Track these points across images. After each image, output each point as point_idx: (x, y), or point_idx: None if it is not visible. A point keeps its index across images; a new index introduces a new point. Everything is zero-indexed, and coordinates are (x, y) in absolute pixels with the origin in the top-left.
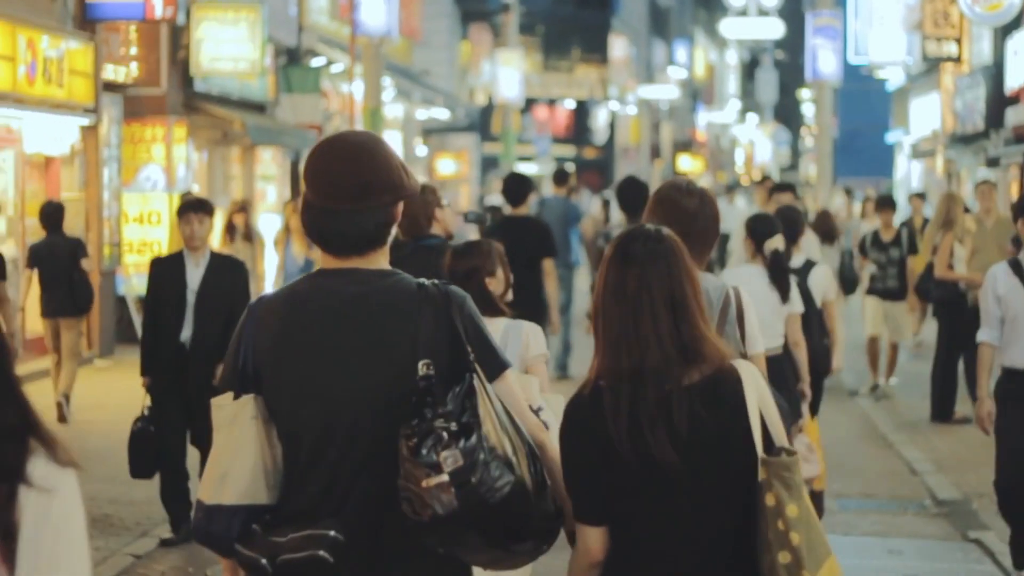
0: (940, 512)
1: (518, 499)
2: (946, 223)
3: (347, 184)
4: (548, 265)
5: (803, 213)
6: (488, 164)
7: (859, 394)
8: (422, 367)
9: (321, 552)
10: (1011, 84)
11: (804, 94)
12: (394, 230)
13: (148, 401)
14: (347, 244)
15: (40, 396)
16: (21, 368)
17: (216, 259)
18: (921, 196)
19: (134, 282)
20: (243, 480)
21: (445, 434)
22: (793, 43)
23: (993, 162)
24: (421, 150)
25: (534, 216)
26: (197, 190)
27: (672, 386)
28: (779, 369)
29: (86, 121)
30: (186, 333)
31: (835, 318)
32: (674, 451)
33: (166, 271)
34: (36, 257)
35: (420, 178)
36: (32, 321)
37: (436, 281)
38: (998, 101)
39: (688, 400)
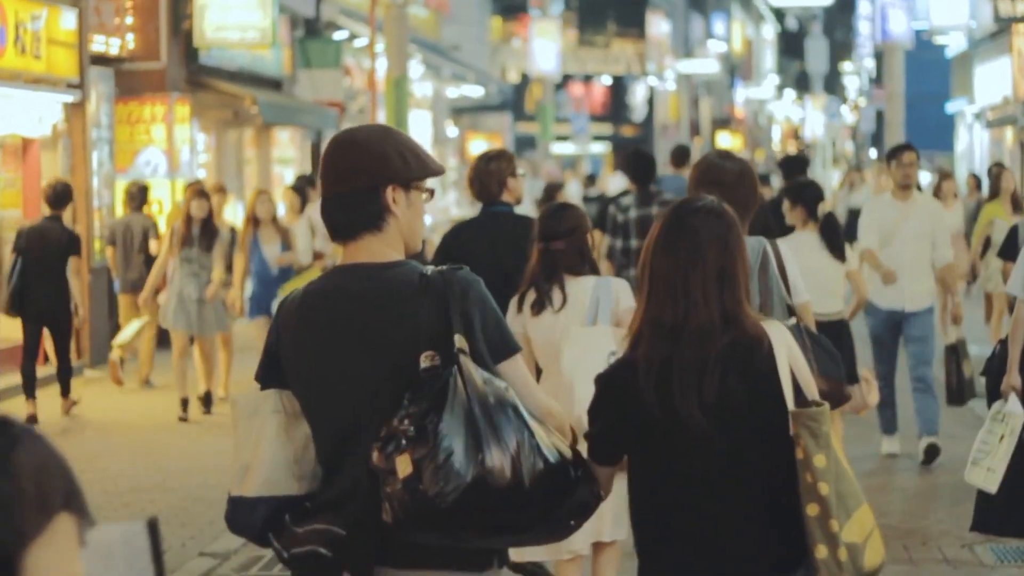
0: None
1: (473, 497)
2: None
3: (329, 170)
4: None
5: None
6: (522, 144)
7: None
8: (425, 359)
9: (320, 548)
10: None
11: (847, 67)
12: (399, 217)
13: None
14: (340, 231)
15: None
16: None
17: None
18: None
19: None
20: (264, 472)
21: (404, 440)
22: (830, 17)
23: None
24: (452, 131)
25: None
26: (204, 175)
27: (711, 348)
28: (838, 334)
29: (70, 98)
30: None
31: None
32: (701, 412)
33: None
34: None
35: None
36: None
37: (443, 268)
38: None
39: (722, 366)
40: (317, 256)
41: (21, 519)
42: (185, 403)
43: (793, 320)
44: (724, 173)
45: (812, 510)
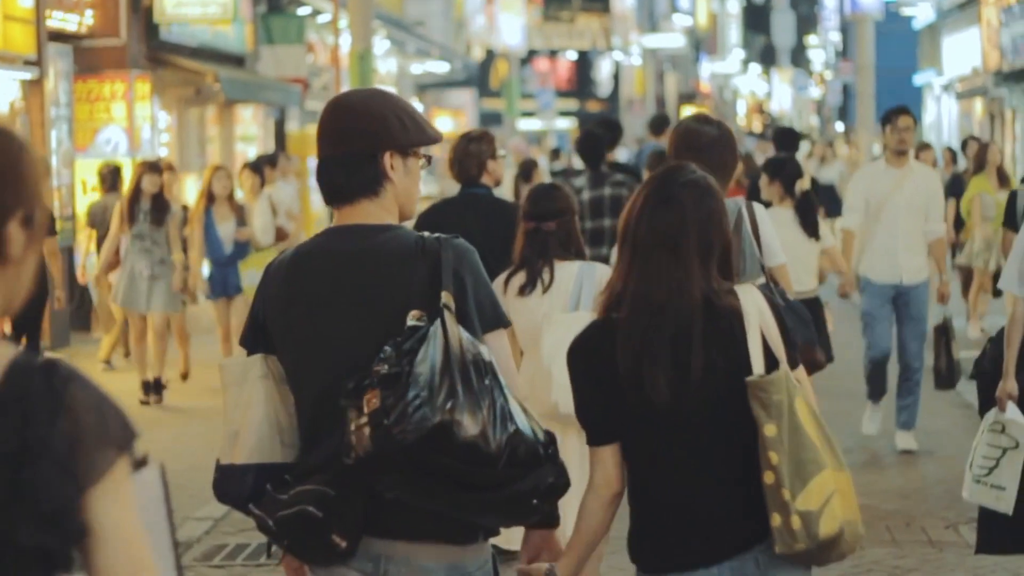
0: None
1: (436, 443)
2: None
3: (327, 131)
4: None
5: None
6: (487, 120)
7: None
8: (411, 318)
9: (309, 507)
10: None
11: (812, 40)
12: (396, 183)
13: None
14: (335, 194)
15: None
16: None
17: None
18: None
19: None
20: (253, 439)
21: (376, 378)
22: None
23: None
24: (417, 107)
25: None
26: (166, 154)
27: (694, 326)
28: (812, 312)
29: (28, 76)
30: None
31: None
32: (669, 391)
33: None
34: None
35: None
36: None
37: (439, 235)
38: None
39: (704, 347)
40: (280, 235)
41: (84, 459)
42: (146, 386)
43: (762, 280)
44: (702, 137)
45: (768, 478)
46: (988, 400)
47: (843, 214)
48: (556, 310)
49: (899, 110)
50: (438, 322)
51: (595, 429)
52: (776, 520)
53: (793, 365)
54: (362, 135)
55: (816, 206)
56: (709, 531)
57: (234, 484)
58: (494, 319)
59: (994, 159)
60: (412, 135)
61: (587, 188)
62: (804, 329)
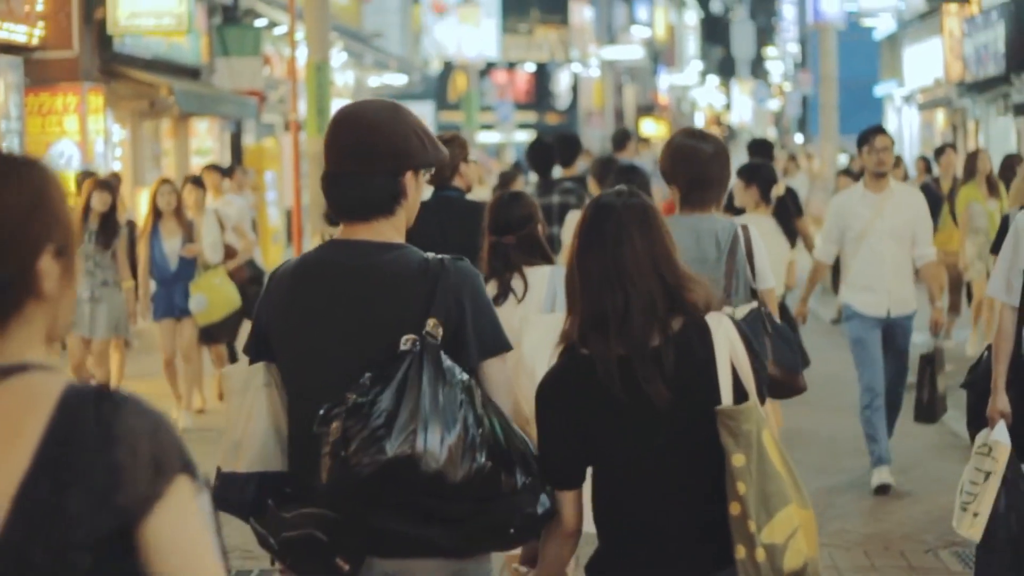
0: None
1: (393, 475)
2: None
3: (350, 147)
4: None
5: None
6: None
7: None
8: (405, 342)
9: (316, 532)
10: None
11: (770, 52)
12: (408, 201)
13: None
14: (350, 210)
15: None
16: None
17: None
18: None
19: None
20: (255, 447)
21: (345, 406)
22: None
23: (1022, 109)
24: None
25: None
26: (119, 168)
27: (662, 330)
28: (784, 315)
29: None
30: None
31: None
32: (667, 390)
33: None
34: None
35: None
36: None
37: (444, 257)
38: (1021, 42)
39: (675, 348)
40: (229, 253)
41: (140, 484)
42: None
43: (755, 304)
44: (700, 153)
45: (734, 509)
46: (978, 416)
47: (820, 241)
48: (532, 314)
49: (875, 130)
50: (417, 350)
51: (558, 472)
52: (741, 552)
53: (761, 399)
54: (387, 156)
55: (792, 213)
56: (673, 557)
57: (235, 492)
58: (494, 345)
59: (984, 167)
60: (430, 153)
61: (536, 196)
62: (790, 355)
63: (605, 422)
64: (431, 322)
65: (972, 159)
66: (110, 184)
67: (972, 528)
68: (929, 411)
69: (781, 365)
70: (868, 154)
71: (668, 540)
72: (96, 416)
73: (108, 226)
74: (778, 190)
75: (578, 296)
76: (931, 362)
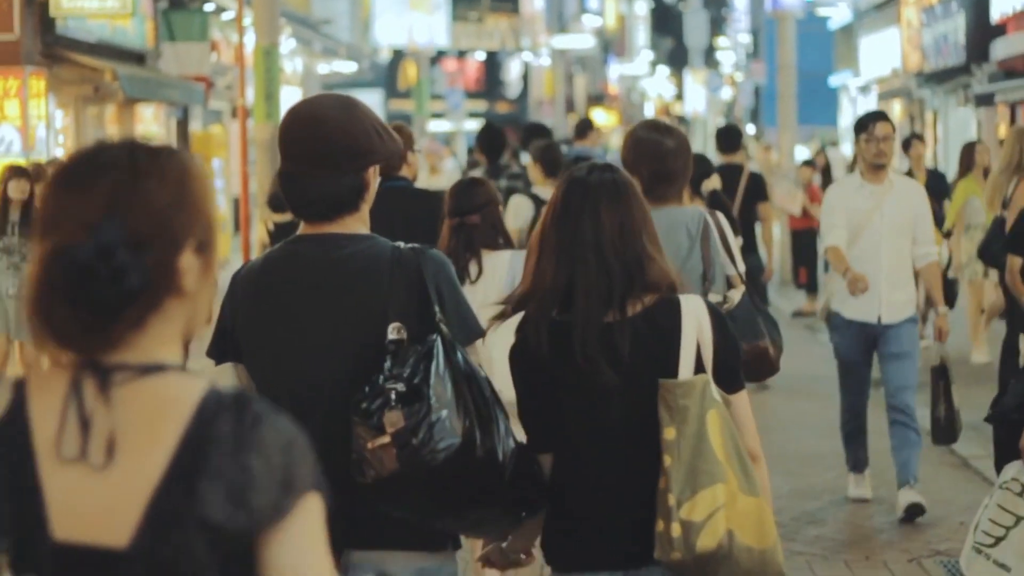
0: None
1: (460, 461)
2: (1020, 167)
3: (309, 149)
4: None
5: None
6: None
7: None
8: (392, 331)
9: None
10: (997, 13)
11: (721, 42)
12: (369, 194)
13: None
14: (315, 210)
15: None
16: None
17: None
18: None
19: None
20: None
21: (393, 395)
22: None
23: (984, 100)
24: None
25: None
26: (61, 154)
27: (619, 307)
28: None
29: None
30: None
31: None
32: (615, 373)
33: None
34: None
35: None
36: None
37: (414, 245)
38: (981, 32)
39: (631, 326)
40: None
41: (269, 496)
42: None
43: (742, 289)
44: (661, 146)
45: (661, 483)
46: (1008, 451)
47: (823, 233)
48: (490, 299)
49: (875, 115)
50: (438, 337)
51: (531, 429)
52: (660, 525)
53: (732, 384)
54: (352, 156)
55: (728, 205)
56: (619, 537)
57: None
58: (471, 331)
59: (982, 160)
60: (388, 146)
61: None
62: (777, 334)
63: (563, 391)
64: (438, 310)
65: (969, 151)
66: (27, 172)
67: None
68: (948, 431)
69: (774, 342)
70: (867, 143)
71: (614, 514)
72: (234, 425)
73: (29, 215)
74: (710, 183)
75: (531, 266)
76: (943, 375)
